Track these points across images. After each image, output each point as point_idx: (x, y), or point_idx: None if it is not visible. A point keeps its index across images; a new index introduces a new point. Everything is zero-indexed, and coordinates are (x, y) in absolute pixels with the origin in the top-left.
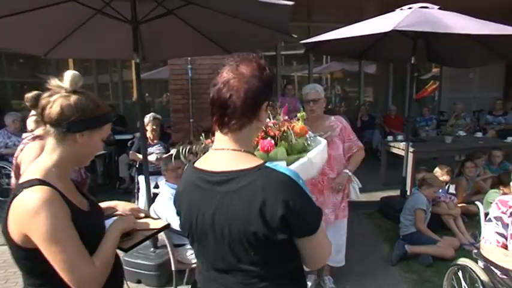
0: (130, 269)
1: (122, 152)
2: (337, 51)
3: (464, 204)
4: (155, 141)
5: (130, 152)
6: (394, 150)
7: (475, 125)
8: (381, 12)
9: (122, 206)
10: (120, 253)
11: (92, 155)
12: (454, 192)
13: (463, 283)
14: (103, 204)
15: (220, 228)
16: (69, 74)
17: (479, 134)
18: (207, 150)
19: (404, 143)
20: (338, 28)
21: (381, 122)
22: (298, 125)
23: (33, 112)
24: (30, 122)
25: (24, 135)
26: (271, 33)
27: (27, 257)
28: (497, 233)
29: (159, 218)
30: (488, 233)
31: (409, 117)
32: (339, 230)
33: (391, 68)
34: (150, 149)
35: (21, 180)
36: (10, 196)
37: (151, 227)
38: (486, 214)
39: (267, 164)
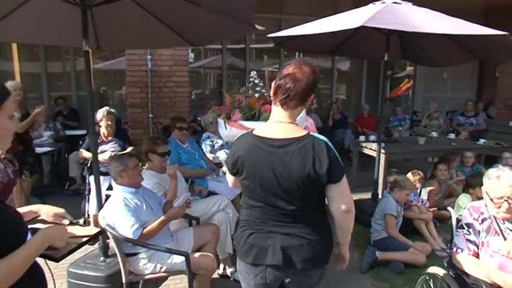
0: (76, 281)
1: (73, 149)
2: (308, 46)
3: (435, 208)
4: (109, 138)
5: (80, 150)
6: (366, 151)
7: (448, 125)
8: (355, 6)
9: (44, 210)
10: (64, 263)
11: (3, 138)
12: (425, 197)
13: None
14: (22, 209)
15: (281, 176)
16: None
17: (452, 136)
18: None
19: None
20: (310, 21)
21: (353, 121)
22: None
23: None
24: None
25: None
26: (235, 25)
27: None
28: (468, 240)
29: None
30: (460, 241)
31: (381, 116)
32: None
33: (365, 65)
34: (103, 147)
35: None
36: None
37: (83, 233)
38: (458, 220)
39: (311, 133)
